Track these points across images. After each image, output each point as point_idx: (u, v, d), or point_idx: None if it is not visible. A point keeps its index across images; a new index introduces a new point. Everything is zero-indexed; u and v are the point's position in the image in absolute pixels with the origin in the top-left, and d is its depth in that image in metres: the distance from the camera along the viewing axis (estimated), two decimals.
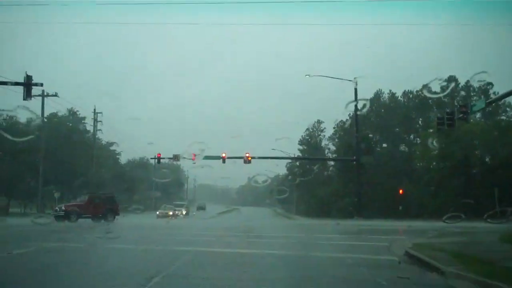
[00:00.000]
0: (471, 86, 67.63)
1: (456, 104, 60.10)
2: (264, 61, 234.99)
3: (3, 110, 56.55)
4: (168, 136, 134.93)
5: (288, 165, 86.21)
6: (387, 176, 63.37)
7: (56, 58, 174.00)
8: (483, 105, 33.26)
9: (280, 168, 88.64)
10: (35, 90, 48.25)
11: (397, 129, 73.68)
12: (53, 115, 66.51)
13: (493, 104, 55.40)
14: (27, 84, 27.11)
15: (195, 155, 50.65)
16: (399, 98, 74.17)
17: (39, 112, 52.52)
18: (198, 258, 15.20)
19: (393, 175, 63.63)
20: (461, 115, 32.02)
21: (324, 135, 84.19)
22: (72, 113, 71.67)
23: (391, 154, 70.59)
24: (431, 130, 59.36)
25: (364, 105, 55.20)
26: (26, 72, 26.91)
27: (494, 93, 62.50)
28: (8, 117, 60.91)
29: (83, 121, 71.87)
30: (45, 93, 52.01)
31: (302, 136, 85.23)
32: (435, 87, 69.98)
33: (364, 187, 56.37)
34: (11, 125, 59.27)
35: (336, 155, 75.17)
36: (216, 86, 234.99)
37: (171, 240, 21.80)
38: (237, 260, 14.81)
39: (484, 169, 55.10)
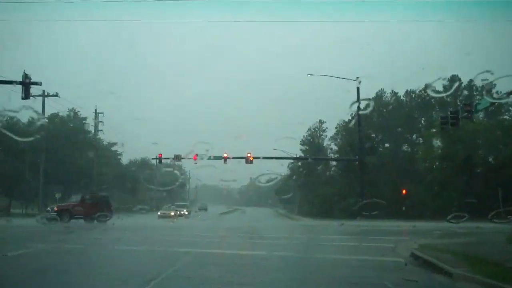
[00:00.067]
0: (473, 85, 67.22)
1: (458, 103, 59.75)
2: (264, 60, 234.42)
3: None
4: (169, 136, 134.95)
5: (290, 165, 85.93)
6: (389, 176, 63.03)
7: (57, 57, 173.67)
8: (488, 104, 33.00)
9: (283, 168, 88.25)
10: (36, 90, 48.30)
11: (400, 128, 73.31)
12: (54, 115, 66.30)
13: (496, 104, 55.04)
14: (26, 83, 26.79)
15: (196, 155, 50.41)
16: (402, 97, 73.84)
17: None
18: (198, 260, 14.87)
19: (396, 175, 63.28)
20: (465, 114, 31.77)
21: (326, 135, 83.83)
22: (73, 113, 71.52)
23: (394, 154, 70.24)
24: (434, 130, 59.04)
25: (368, 105, 54.75)
26: (24, 70, 26.67)
27: (496, 92, 61.94)
28: (8, 118, 60.70)
29: (84, 121, 71.73)
30: (46, 93, 51.87)
31: (304, 136, 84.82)
32: (438, 87, 69.89)
33: (366, 187, 56.02)
34: (12, 125, 59.02)
35: (338, 155, 74.83)
36: (216, 85, 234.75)
37: (171, 241, 21.51)
38: (237, 262, 14.48)
39: (487, 168, 54.75)
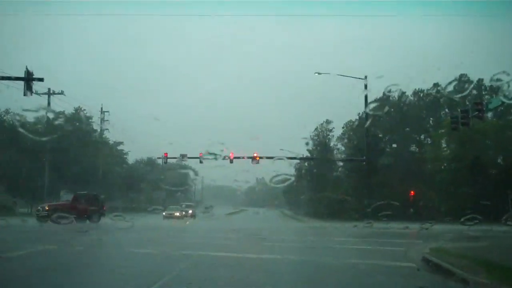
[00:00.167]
0: (482, 85, 66.47)
1: (467, 103, 59.00)
2: (269, 58, 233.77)
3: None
4: (175, 135, 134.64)
5: (297, 166, 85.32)
6: (397, 177, 62.37)
7: (64, 55, 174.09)
8: (499, 103, 32.30)
9: (290, 169, 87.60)
10: (42, 88, 48.19)
11: (407, 129, 72.63)
12: (60, 114, 66.04)
13: (505, 103, 54.28)
14: (28, 79, 26.29)
15: (201, 154, 49.96)
16: (410, 97, 73.12)
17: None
18: (201, 264, 14.25)
19: (404, 176, 62.61)
20: (476, 113, 31.08)
21: (333, 135, 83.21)
22: (79, 111, 71.20)
23: (402, 154, 69.51)
24: (442, 131, 58.39)
25: (376, 105, 54.01)
26: (26, 66, 26.19)
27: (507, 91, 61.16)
28: (14, 115, 60.71)
29: (90, 120, 71.49)
30: (51, 91, 51.70)
31: (310, 136, 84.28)
32: (446, 86, 69.38)
33: (374, 188, 55.40)
34: (20, 125, 58.87)
35: (345, 156, 74.26)
36: (221, 85, 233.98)
37: (174, 243, 21.00)
38: (245, 265, 13.96)
39: (497, 170, 54.02)
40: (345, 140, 77.58)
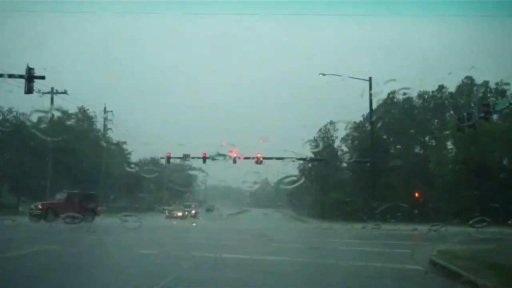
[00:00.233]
0: (488, 87, 66.08)
1: (472, 105, 58.56)
2: (269, 58, 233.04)
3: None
4: (176, 135, 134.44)
5: (300, 167, 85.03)
6: (402, 179, 62.03)
7: (66, 55, 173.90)
8: (507, 104, 31.81)
9: (294, 170, 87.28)
10: (45, 88, 48.01)
11: (412, 130, 72.27)
12: (64, 113, 65.94)
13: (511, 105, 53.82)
14: (29, 78, 25.99)
15: (205, 154, 49.65)
16: (414, 99, 72.76)
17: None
18: (201, 266, 13.98)
19: (408, 178, 62.26)
20: (482, 115, 30.65)
21: (337, 136, 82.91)
22: (82, 111, 71.11)
23: (406, 156, 69.13)
24: (447, 132, 57.98)
25: (381, 107, 53.68)
26: (27, 64, 25.89)
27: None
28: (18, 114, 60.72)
29: (93, 120, 71.40)
30: (55, 91, 51.56)
31: (314, 137, 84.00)
32: (451, 87, 68.94)
33: (381, 189, 55.06)
34: (22, 124, 58.81)
35: (349, 157, 73.95)
36: (223, 85, 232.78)
37: (174, 243, 20.73)
38: (246, 267, 13.69)
39: (503, 172, 53.59)
40: (349, 142, 77.29)
